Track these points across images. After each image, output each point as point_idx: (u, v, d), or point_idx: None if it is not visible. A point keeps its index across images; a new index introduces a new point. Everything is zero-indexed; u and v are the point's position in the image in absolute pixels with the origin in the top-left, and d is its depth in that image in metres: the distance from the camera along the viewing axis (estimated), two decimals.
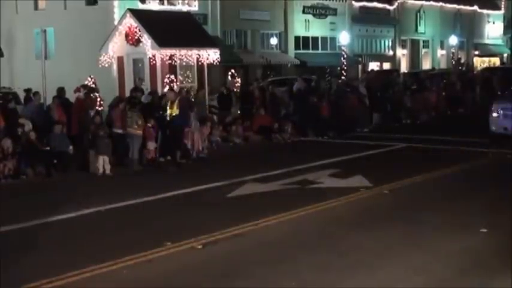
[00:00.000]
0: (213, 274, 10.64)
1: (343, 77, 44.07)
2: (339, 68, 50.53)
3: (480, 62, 71.49)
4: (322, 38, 55.84)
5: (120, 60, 27.51)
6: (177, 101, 21.50)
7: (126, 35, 26.88)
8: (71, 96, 23.20)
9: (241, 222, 13.44)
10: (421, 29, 66.32)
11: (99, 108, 23.82)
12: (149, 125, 21.28)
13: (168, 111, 21.42)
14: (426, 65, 65.73)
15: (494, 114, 23.66)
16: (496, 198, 15.64)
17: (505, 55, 79.62)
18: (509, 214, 14.06)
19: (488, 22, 76.93)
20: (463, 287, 9.89)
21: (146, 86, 25.56)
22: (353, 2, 57.94)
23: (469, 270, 10.47)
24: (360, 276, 10.34)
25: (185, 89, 25.57)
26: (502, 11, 78.71)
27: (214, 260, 11.39)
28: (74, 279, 10.39)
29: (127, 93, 24.60)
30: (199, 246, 12.05)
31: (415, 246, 11.80)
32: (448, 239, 12.16)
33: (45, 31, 25.58)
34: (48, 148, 20.11)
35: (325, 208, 14.90)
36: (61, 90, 22.95)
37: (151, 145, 21.33)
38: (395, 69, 56.39)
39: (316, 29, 55.05)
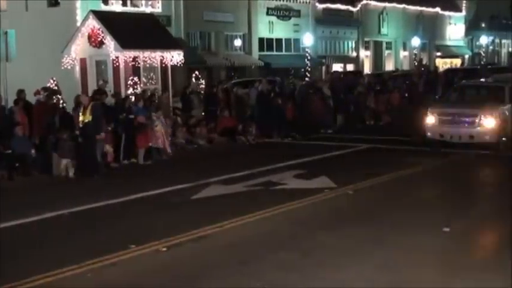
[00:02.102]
0: (177, 276, 10.62)
1: (307, 78, 44.25)
2: (302, 70, 50.70)
3: (442, 63, 72.17)
4: (286, 39, 56.03)
5: (82, 62, 27.31)
6: (90, 107, 19.96)
7: (89, 37, 26.71)
8: (32, 98, 22.93)
9: (205, 224, 13.42)
10: (384, 30, 66.83)
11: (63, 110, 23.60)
12: (109, 128, 21.18)
13: (80, 118, 20.04)
14: (389, 66, 66.21)
15: (430, 120, 22.88)
16: (458, 197, 15.82)
17: (466, 56, 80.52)
18: (471, 213, 14.24)
19: (450, 24, 77.78)
20: (426, 286, 9.97)
21: (109, 88, 25.39)
22: (316, 4, 58.17)
23: (433, 269, 10.55)
24: (325, 275, 10.37)
25: (149, 91, 25.50)
26: (463, 13, 79.61)
27: (179, 262, 11.36)
28: (37, 284, 10.28)
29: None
30: (164, 249, 12.00)
31: (379, 245, 11.86)
32: (411, 238, 12.25)
33: (6, 33, 25.32)
34: (9, 151, 19.89)
35: (289, 209, 14.92)
36: (21, 93, 22.67)
37: (109, 148, 21.26)
38: (358, 70, 56.78)
39: (280, 30, 55.21)
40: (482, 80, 27.93)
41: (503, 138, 21.90)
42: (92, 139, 19.91)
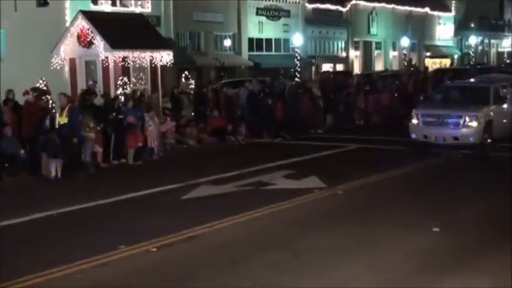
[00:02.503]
0: (168, 276, 10.61)
1: (296, 79, 44.25)
2: (292, 70, 50.71)
3: (431, 63, 72.26)
4: (275, 39, 55.94)
5: (72, 62, 27.23)
6: (67, 109, 19.85)
7: (78, 37, 26.63)
8: (22, 98, 22.86)
9: (195, 224, 13.42)
10: (373, 30, 66.83)
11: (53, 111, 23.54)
12: (98, 128, 21.17)
13: (58, 119, 19.95)
14: (379, 66, 66.24)
15: (415, 121, 22.55)
16: (447, 197, 15.86)
17: (456, 56, 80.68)
18: (460, 213, 14.28)
19: (439, 24, 77.84)
20: (416, 285, 9.99)
21: (99, 88, 25.34)
22: (306, 4, 58.16)
23: (422, 269, 10.58)
24: (315, 275, 10.39)
25: (139, 92, 25.47)
26: (452, 13, 79.73)
27: (169, 263, 11.36)
28: (27, 284, 10.27)
29: None
30: (154, 249, 12.00)
31: (369, 245, 11.89)
32: (401, 238, 12.28)
33: None
34: None
35: (279, 209, 14.94)
36: (9, 92, 22.60)
37: (99, 148, 21.24)
38: (348, 70, 56.81)
39: (270, 30, 55.14)
40: (467, 80, 27.75)
41: (488, 140, 21.75)
42: (68, 141, 19.73)
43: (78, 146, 20.20)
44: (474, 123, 21.49)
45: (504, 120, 22.83)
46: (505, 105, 23.19)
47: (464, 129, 21.57)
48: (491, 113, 22.26)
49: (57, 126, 19.95)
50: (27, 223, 14.45)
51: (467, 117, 21.56)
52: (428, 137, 22.10)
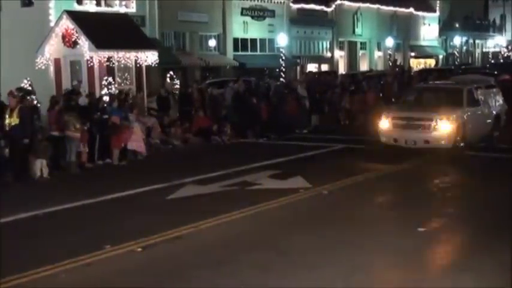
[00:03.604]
0: (152, 277, 10.61)
1: (281, 79, 44.31)
2: (277, 70, 50.78)
3: (416, 64, 72.52)
4: (260, 39, 56.02)
5: (57, 62, 27.21)
6: (17, 110, 19.24)
7: (63, 37, 26.62)
8: (6, 99, 22.76)
9: (181, 225, 13.41)
10: (358, 30, 67.00)
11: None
12: (85, 128, 21.14)
13: (7, 121, 19.34)
14: (364, 66, 66.39)
15: (384, 124, 22.24)
16: (432, 198, 15.92)
17: (440, 56, 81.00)
18: (445, 214, 14.35)
19: (424, 24, 78.15)
20: (402, 285, 10.04)
21: (84, 88, 25.31)
22: (291, 4, 58.25)
23: (408, 269, 10.62)
24: (301, 275, 10.41)
25: (124, 91, 25.45)
26: (437, 13, 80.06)
27: (154, 263, 11.34)
28: (12, 284, 10.24)
29: None
30: (139, 249, 11.99)
31: (355, 245, 11.92)
32: (386, 238, 12.31)
33: None
34: None
35: (265, 209, 14.95)
36: None
37: (84, 148, 21.20)
38: (333, 70, 56.94)
39: (255, 30, 55.20)
40: (440, 81, 27.34)
41: (461, 144, 21.46)
42: (18, 143, 19.26)
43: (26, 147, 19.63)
44: (446, 126, 21.12)
45: (478, 123, 22.51)
46: (479, 107, 22.95)
47: (435, 132, 21.21)
48: (465, 116, 21.88)
49: (7, 128, 19.40)
50: (13, 223, 14.39)
51: (438, 120, 21.19)
52: (399, 140, 21.76)
